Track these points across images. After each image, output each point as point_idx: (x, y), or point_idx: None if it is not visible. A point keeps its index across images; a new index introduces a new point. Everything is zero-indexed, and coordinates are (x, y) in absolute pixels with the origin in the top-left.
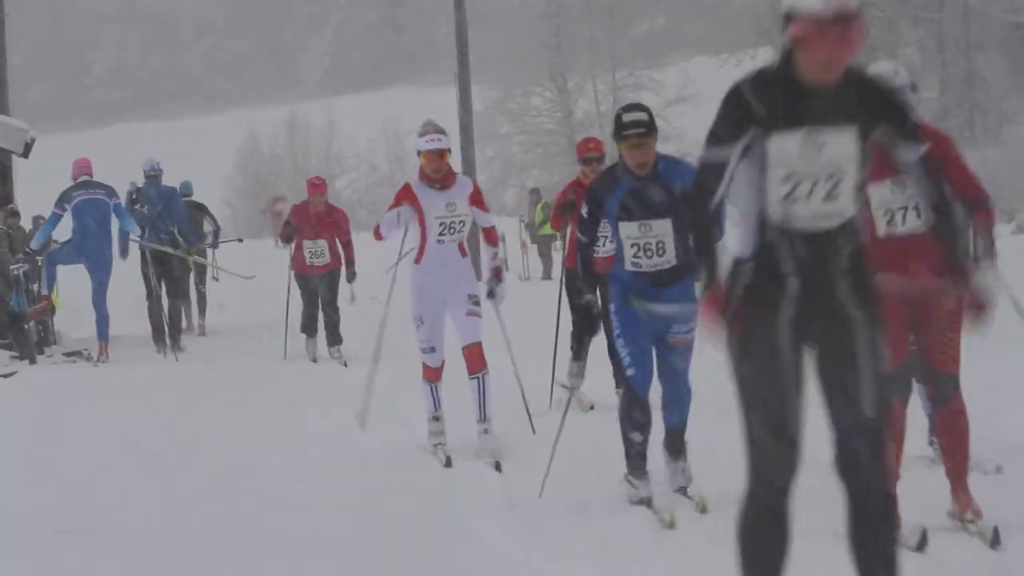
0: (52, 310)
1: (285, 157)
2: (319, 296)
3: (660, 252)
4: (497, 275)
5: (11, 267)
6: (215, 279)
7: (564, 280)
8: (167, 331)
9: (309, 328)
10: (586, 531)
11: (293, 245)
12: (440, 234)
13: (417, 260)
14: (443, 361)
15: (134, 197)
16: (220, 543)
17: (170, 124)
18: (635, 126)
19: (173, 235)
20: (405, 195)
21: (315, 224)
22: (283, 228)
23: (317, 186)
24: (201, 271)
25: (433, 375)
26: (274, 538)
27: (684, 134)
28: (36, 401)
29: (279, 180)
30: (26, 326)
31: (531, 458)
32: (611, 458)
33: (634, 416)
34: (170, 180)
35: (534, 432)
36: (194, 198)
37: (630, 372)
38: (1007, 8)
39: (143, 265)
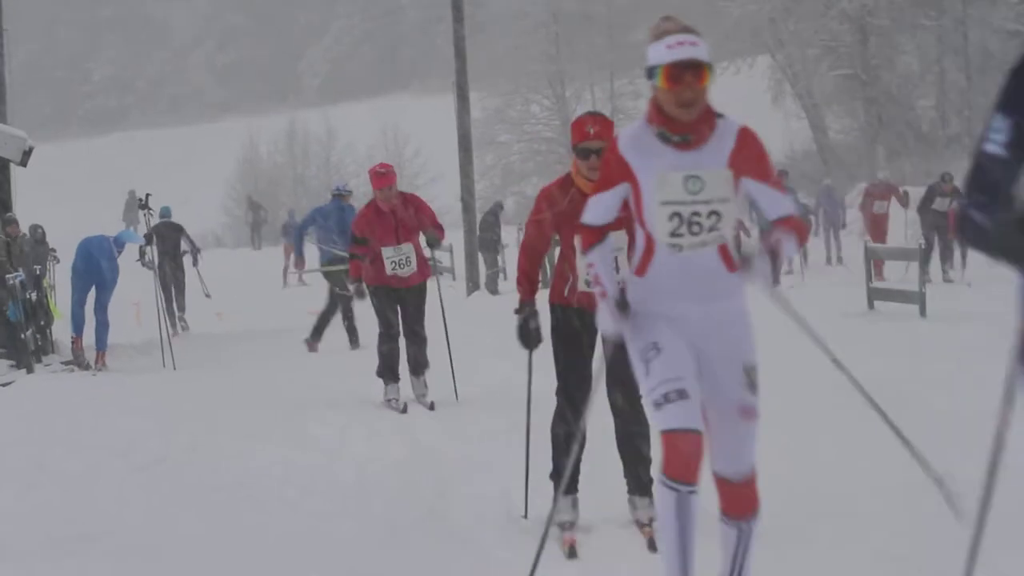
0: (50, 319)
1: (284, 165)
2: (402, 318)
3: None
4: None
5: (8, 276)
6: (208, 296)
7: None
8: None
9: (390, 371)
10: (586, 541)
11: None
12: (675, 232)
13: (639, 271)
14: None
15: (141, 203)
16: (217, 550)
17: (169, 132)
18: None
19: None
20: (615, 165)
21: (392, 225)
22: (352, 260)
23: (383, 175)
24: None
25: (685, 456)
26: (271, 545)
27: None
28: (33, 409)
29: (279, 188)
30: (23, 335)
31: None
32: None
33: None
34: (163, 196)
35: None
36: (192, 204)
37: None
38: (1005, 16)
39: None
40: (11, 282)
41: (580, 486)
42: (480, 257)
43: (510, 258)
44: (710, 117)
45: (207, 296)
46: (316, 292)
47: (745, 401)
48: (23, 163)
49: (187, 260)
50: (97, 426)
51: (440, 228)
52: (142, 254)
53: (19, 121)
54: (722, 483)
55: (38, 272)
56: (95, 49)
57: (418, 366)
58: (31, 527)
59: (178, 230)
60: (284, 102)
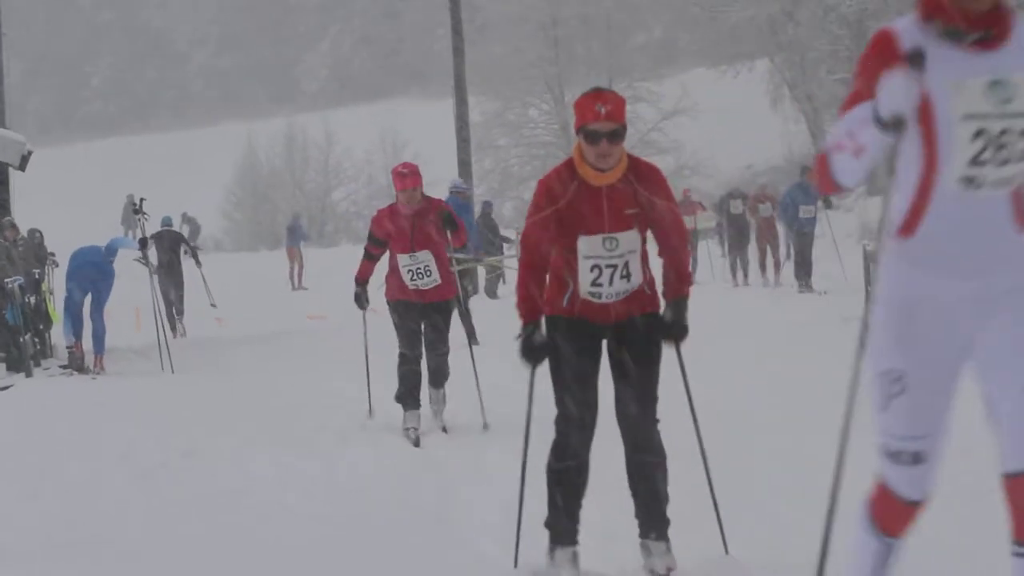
0: (48, 323)
1: (283, 170)
2: (423, 336)
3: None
4: None
5: (6, 280)
6: (213, 306)
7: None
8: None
9: (410, 396)
10: (585, 548)
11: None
12: (978, 158)
13: (906, 229)
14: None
15: (136, 207)
16: (216, 555)
17: (168, 136)
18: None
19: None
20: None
21: (413, 230)
22: (363, 260)
23: (407, 176)
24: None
25: (901, 519)
26: (270, 550)
27: (682, 147)
28: (32, 413)
29: (278, 193)
30: (22, 339)
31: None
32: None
33: None
34: (162, 200)
35: None
36: (192, 212)
37: None
38: None
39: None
40: (10, 286)
41: (581, 537)
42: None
43: (509, 262)
44: (1007, 7)
45: (212, 306)
46: (317, 297)
47: None
48: (22, 167)
49: (187, 265)
50: (96, 431)
51: (462, 229)
52: (144, 248)
53: (18, 125)
54: (1019, 493)
55: (37, 276)
56: (94, 54)
57: (439, 376)
58: (31, 532)
59: (179, 238)
60: (283, 106)
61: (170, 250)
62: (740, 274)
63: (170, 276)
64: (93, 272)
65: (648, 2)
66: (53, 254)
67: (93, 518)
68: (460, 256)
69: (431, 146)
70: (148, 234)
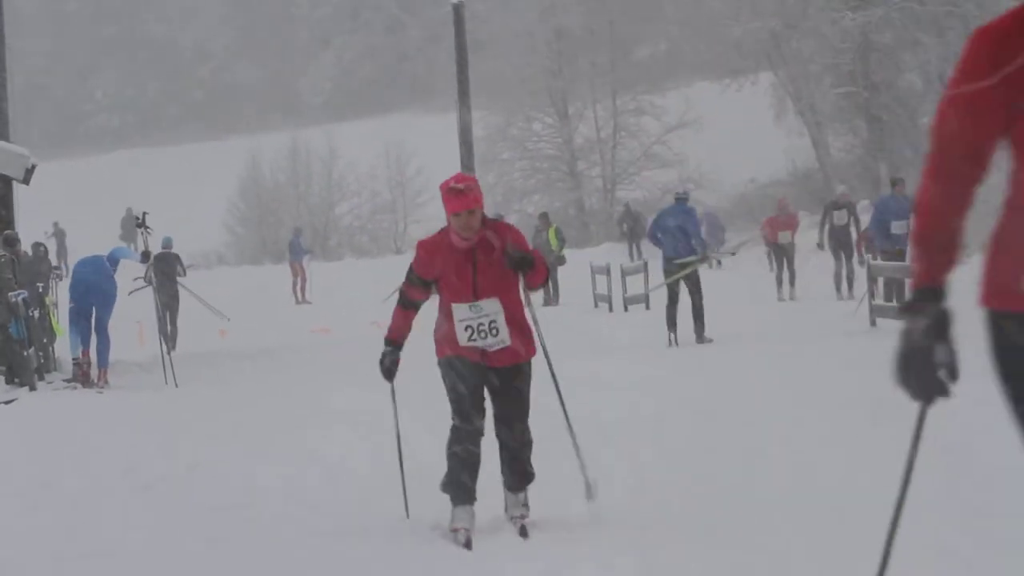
0: (52, 337)
1: (287, 184)
2: (492, 409)
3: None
4: None
5: (10, 294)
6: (226, 319)
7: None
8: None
9: (461, 486)
10: (584, 555)
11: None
12: None
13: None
14: None
15: (138, 221)
16: (219, 568)
17: (172, 150)
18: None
19: (691, 248)
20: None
21: (468, 270)
22: (399, 308)
23: (461, 194)
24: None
25: None
26: (272, 563)
27: (685, 160)
28: (35, 427)
29: (281, 206)
30: (26, 353)
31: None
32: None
33: None
34: (165, 214)
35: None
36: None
37: None
38: None
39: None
40: (14, 300)
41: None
42: None
43: None
44: None
45: (226, 319)
46: (320, 311)
47: None
48: (26, 181)
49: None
50: (100, 444)
51: (541, 266)
52: (146, 261)
53: (21, 139)
54: None
55: (40, 290)
56: (97, 68)
57: (518, 477)
58: (34, 545)
59: (175, 259)
60: (286, 120)
61: (167, 271)
62: (844, 286)
63: (166, 296)
64: (98, 286)
65: (652, 15)
66: (57, 267)
67: (95, 531)
68: None
69: (435, 160)
70: (151, 248)
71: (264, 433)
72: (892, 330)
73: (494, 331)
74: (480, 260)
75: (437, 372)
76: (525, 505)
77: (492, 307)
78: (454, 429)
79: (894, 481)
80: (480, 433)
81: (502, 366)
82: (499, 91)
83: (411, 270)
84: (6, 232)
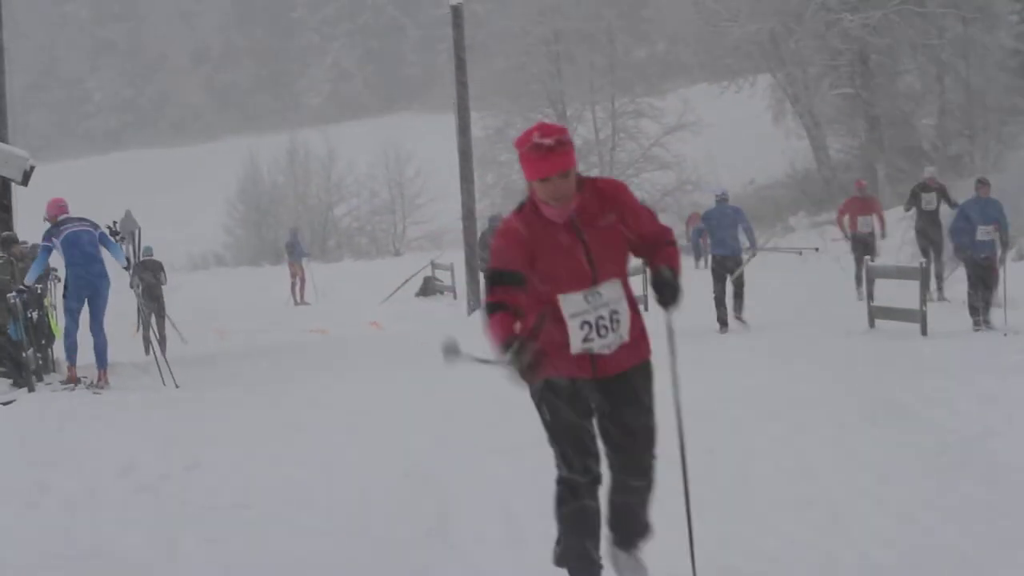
0: (51, 338)
1: (285, 185)
2: (600, 432)
3: None
4: None
5: (9, 295)
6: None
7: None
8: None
9: (583, 554)
10: None
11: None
12: None
13: None
14: None
15: (112, 230)
16: (217, 568)
17: (170, 152)
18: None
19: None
20: None
21: (579, 248)
22: (493, 316)
23: (550, 152)
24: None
25: None
26: (270, 563)
27: (684, 162)
28: (34, 428)
29: (280, 208)
30: (25, 354)
31: (531, 485)
32: None
33: None
34: (164, 215)
35: None
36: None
37: None
38: (1007, 34)
39: None
40: (12, 301)
41: None
42: (481, 274)
43: None
44: None
45: (184, 341)
46: (319, 312)
47: None
48: (24, 182)
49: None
50: (98, 445)
51: (672, 245)
52: (128, 268)
53: (20, 141)
54: None
55: (39, 291)
56: (96, 69)
57: (629, 532)
58: (32, 546)
59: (158, 267)
60: (285, 121)
61: (152, 277)
62: (933, 285)
63: (151, 302)
64: (92, 268)
65: (650, 17)
66: (55, 269)
67: (94, 531)
68: None
69: (433, 161)
70: (131, 256)
71: (263, 433)
72: (891, 331)
73: (615, 324)
74: (588, 234)
75: (442, 379)
76: (639, 562)
77: (613, 292)
78: (561, 482)
79: (894, 481)
80: (598, 481)
81: (619, 372)
82: (498, 92)
83: (493, 273)
84: (5, 233)
